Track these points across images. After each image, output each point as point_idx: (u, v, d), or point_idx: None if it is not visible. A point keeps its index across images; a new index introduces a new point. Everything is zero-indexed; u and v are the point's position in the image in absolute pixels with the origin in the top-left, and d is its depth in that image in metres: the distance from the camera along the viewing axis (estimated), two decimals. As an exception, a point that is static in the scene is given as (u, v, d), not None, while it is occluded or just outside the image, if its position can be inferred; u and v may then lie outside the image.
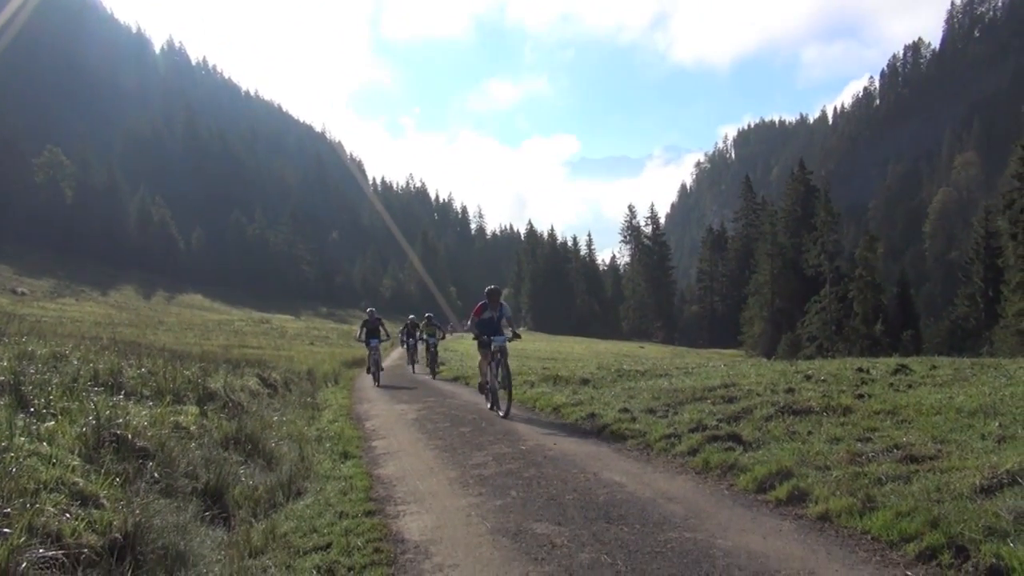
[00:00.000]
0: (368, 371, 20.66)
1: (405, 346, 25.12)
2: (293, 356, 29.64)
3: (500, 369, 11.28)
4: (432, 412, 12.14)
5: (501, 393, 11.32)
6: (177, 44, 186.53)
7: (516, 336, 12.19)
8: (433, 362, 21.72)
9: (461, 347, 39.32)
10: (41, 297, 64.40)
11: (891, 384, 9.88)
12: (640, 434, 8.19)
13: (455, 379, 19.76)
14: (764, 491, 5.58)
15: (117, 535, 4.27)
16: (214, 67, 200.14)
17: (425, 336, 22.56)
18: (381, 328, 20.15)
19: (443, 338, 21.61)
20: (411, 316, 25.59)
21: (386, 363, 31.88)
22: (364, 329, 20.03)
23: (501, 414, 10.90)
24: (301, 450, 8.27)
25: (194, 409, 8.95)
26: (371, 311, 20.39)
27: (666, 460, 7.13)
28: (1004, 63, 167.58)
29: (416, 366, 24.24)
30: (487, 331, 11.44)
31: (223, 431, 8.02)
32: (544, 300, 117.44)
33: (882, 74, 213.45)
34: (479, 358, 12.25)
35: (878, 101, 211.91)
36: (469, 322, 11.89)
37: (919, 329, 61.95)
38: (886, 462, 5.59)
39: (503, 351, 11.33)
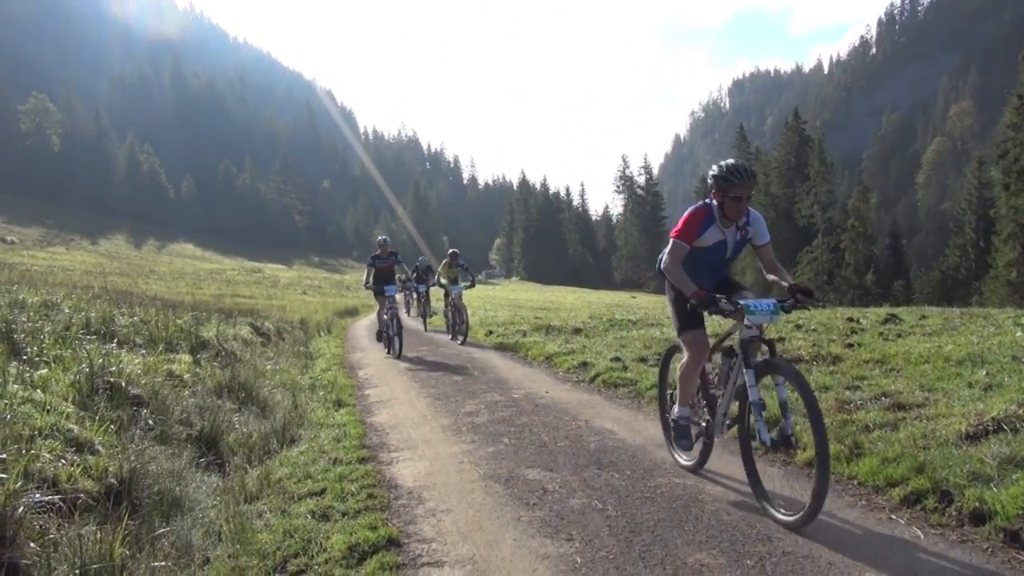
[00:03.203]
0: (379, 336, 14.01)
1: (415, 295, 22.50)
2: (286, 305, 29.60)
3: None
4: (424, 361, 12.20)
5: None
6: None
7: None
8: (425, 310, 20.62)
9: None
10: (31, 246, 63.97)
11: (881, 334, 9.95)
12: (631, 383, 8.26)
13: (444, 328, 19.78)
14: (752, 438, 5.64)
15: (113, 481, 4.31)
16: (201, 13, 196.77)
17: (444, 282, 16.17)
18: (398, 268, 13.81)
19: (472, 285, 16.20)
20: (421, 257, 22.15)
21: (374, 315, 31.65)
22: (372, 270, 13.52)
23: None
24: (294, 398, 8.31)
25: (187, 358, 8.97)
26: (384, 240, 14.00)
27: (657, 409, 7.19)
28: (1002, 12, 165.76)
29: (406, 312, 23.50)
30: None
31: (216, 379, 8.05)
32: (537, 250, 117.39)
33: (879, 22, 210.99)
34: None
35: (874, 50, 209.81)
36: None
37: (910, 279, 62.30)
38: (874, 410, 5.66)
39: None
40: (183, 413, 6.33)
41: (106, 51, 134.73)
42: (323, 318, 23.70)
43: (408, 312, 23.85)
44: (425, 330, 19.00)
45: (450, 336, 15.82)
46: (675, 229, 4.63)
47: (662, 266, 4.68)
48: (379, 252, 13.58)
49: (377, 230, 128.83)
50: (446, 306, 16.81)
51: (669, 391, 5.47)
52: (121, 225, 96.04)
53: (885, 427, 5.18)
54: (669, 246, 4.61)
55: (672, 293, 4.86)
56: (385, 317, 13.35)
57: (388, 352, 13.22)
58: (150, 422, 5.73)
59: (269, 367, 10.58)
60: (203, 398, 7.08)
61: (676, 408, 5.01)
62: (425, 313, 20.53)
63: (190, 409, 6.52)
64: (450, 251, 16.49)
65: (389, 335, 13.14)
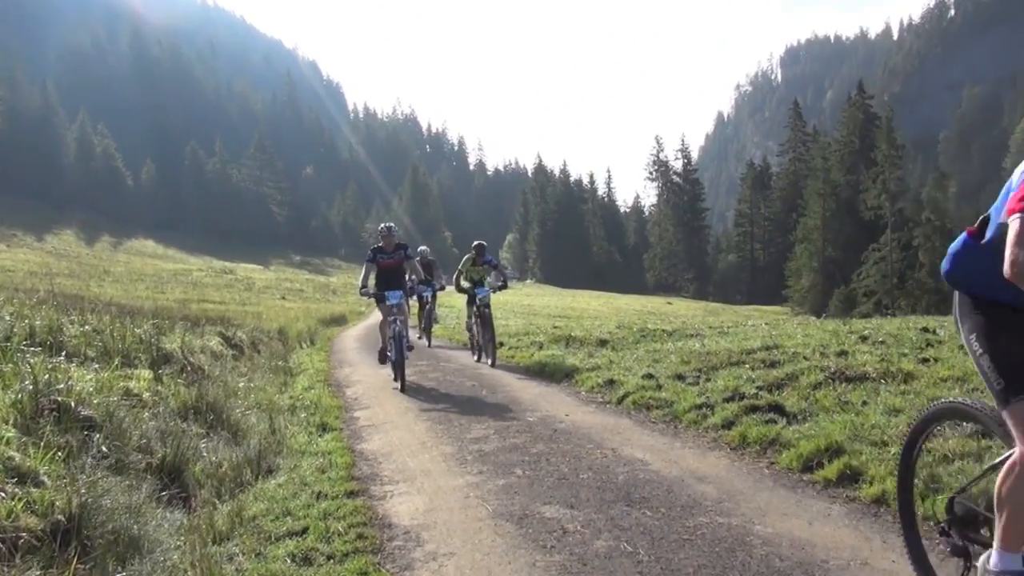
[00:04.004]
0: (383, 358, 12.25)
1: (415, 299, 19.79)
2: (261, 312, 29.72)
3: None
4: (424, 378, 12.21)
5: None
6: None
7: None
8: (428, 321, 18.92)
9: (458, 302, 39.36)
10: (-34, 243, 64.50)
11: (961, 346, 9.88)
12: (666, 404, 8.24)
13: (448, 339, 19.81)
14: (810, 470, 5.61)
15: (60, 517, 4.31)
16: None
17: (466, 285, 14.23)
18: (408, 266, 12.34)
19: (504, 286, 14.97)
20: (422, 248, 19.18)
21: (364, 323, 31.76)
22: (372, 269, 11.83)
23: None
24: (272, 421, 8.32)
25: (147, 373, 9.00)
26: (388, 228, 12.11)
27: (696, 434, 7.18)
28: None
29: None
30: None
31: (181, 399, 8.07)
32: (555, 248, 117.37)
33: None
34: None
35: (952, 11, 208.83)
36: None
37: (996, 283, 61.85)
38: (954, 437, 5.61)
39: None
40: (142, 438, 6.34)
41: (54, 16, 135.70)
42: (305, 327, 23.78)
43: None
44: (428, 345, 17.98)
45: (474, 356, 14.51)
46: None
47: (1012, 268, 2.49)
48: (382, 244, 11.86)
49: (369, 223, 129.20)
50: (469, 316, 14.82)
51: (922, 502, 4.01)
52: (70, 218, 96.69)
53: (968, 457, 5.14)
54: (1018, 225, 2.53)
55: (993, 319, 3.08)
56: (389, 335, 11.55)
57: (396, 381, 11.29)
58: (103, 449, 5.74)
59: (242, 385, 10.60)
60: (165, 421, 7.09)
61: (997, 557, 2.89)
62: (428, 323, 18.92)
63: (150, 434, 6.53)
64: (475, 244, 14.46)
65: (394, 355, 11.38)
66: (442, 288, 17.68)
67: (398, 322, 11.38)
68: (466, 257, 14.25)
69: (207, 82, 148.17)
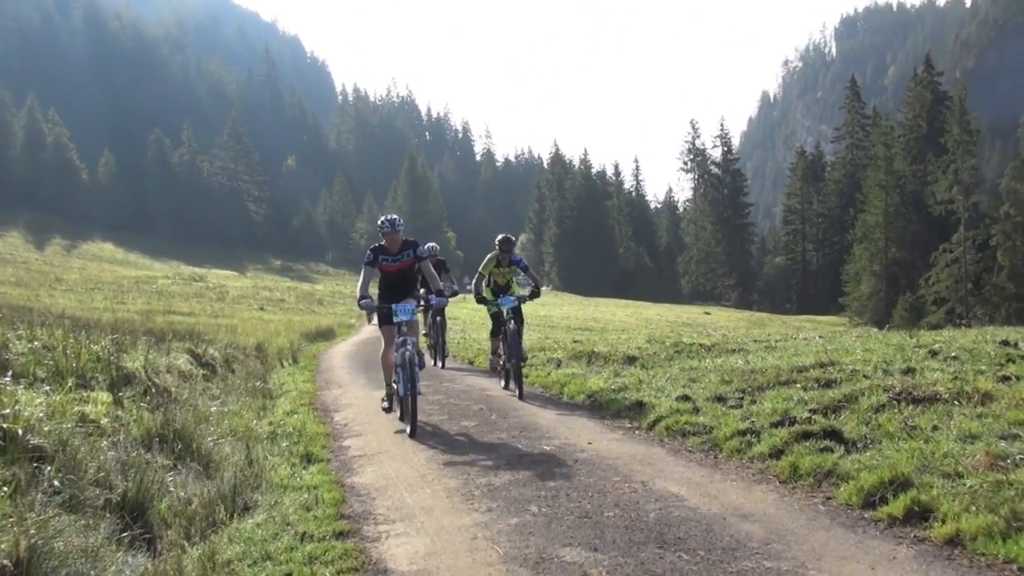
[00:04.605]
0: (390, 403, 10.53)
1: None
2: (237, 326, 29.81)
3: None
4: (424, 401, 12.19)
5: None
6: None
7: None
8: (439, 338, 17.45)
9: (461, 313, 39.41)
10: (-102, 247, 64.96)
11: (1048, 363, 9.83)
12: (705, 430, 8.23)
13: (453, 356, 19.80)
14: (873, 506, 5.59)
15: (6, 562, 4.33)
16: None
17: (487, 294, 13.12)
18: (425, 271, 10.74)
19: (536, 293, 13.25)
20: (430, 244, 17.07)
21: (355, 338, 31.63)
22: (371, 273, 10.29)
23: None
24: (249, 451, 8.34)
25: (106, 396, 9.02)
26: (390, 222, 10.19)
27: (739, 465, 7.16)
28: None
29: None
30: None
31: (144, 426, 8.09)
32: (575, 249, 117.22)
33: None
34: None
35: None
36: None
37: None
38: (1039, 467, 5.59)
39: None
40: (100, 471, 6.36)
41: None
42: (287, 342, 23.84)
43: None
44: (442, 366, 17.02)
45: (500, 381, 13.37)
46: None
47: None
48: (384, 243, 10.19)
49: (360, 222, 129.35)
50: (497, 333, 13.27)
51: None
52: (17, 218, 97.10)
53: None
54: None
55: None
56: (396, 363, 9.98)
57: (404, 421, 9.97)
58: (56, 483, 5.76)
59: (215, 409, 10.62)
60: (127, 451, 7.11)
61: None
62: (438, 340, 17.48)
63: (109, 465, 6.55)
64: (499, 238, 12.88)
65: (403, 390, 9.81)
66: (454, 294, 15.55)
67: (409, 345, 9.80)
68: (488, 256, 12.77)
69: (173, 61, 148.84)
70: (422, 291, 12.15)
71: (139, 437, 7.80)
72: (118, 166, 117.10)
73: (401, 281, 10.38)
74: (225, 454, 8.25)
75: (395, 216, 10.43)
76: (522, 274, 13.20)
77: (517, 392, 11.93)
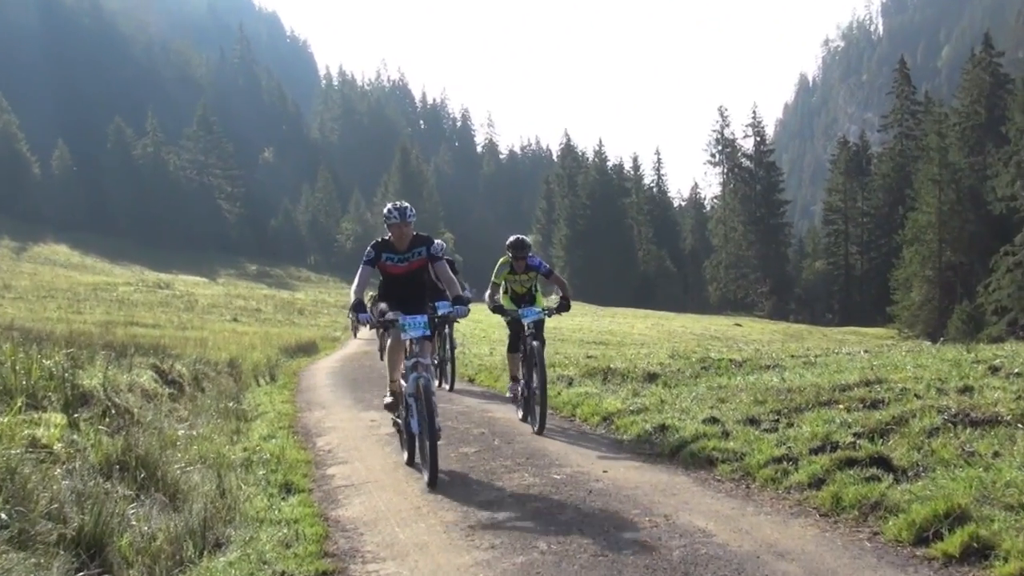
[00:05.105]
0: (402, 437, 9.67)
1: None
2: (207, 339, 29.86)
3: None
4: (418, 423, 12.19)
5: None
6: None
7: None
8: (447, 353, 16.63)
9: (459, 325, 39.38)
10: None
11: (1123, 380, 9.82)
12: (736, 456, 8.22)
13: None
14: (926, 542, 5.58)
15: (-53, 606, 4.34)
16: None
17: (505, 303, 12.33)
18: (438, 272, 9.70)
19: (566, 305, 12.26)
20: (437, 242, 12.97)
21: (340, 353, 31.60)
22: (370, 274, 9.28)
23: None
24: (221, 480, 8.34)
25: (59, 418, 9.03)
26: (399, 210, 9.08)
27: (775, 496, 7.16)
28: None
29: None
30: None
31: (103, 451, 8.10)
32: (588, 253, 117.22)
33: None
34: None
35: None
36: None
37: None
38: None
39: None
40: (53, 502, 6.37)
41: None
42: (264, 357, 23.88)
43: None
44: (450, 388, 16.38)
45: (518, 412, 12.32)
46: None
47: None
48: (390, 237, 9.20)
49: (346, 222, 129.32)
50: (515, 348, 12.31)
51: None
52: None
53: None
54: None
55: None
56: (408, 391, 8.98)
57: (419, 467, 9.03)
58: (3, 516, 5.77)
59: (182, 433, 10.63)
60: (83, 479, 7.11)
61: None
62: (445, 357, 16.72)
63: (64, 496, 6.55)
64: (510, 240, 12.11)
65: (415, 432, 8.92)
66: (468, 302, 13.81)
67: (424, 370, 8.81)
68: (500, 262, 12.05)
69: (136, 40, 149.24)
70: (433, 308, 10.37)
71: (97, 464, 7.80)
72: (74, 158, 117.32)
73: (410, 286, 9.37)
74: (194, 483, 8.25)
75: (406, 205, 9.23)
76: (546, 279, 12.62)
77: (537, 426, 10.91)
